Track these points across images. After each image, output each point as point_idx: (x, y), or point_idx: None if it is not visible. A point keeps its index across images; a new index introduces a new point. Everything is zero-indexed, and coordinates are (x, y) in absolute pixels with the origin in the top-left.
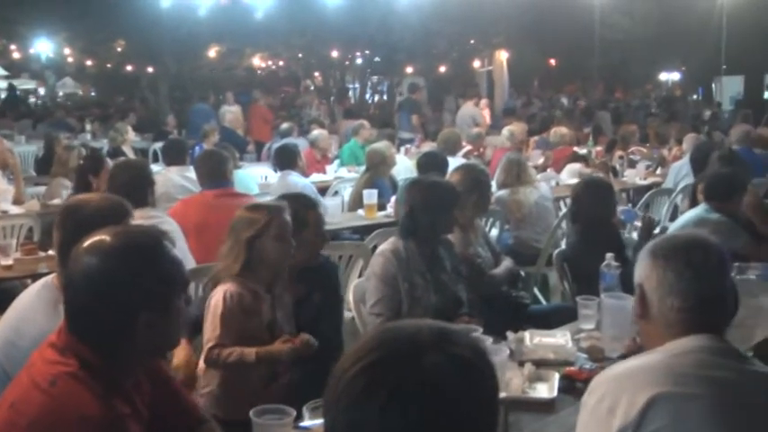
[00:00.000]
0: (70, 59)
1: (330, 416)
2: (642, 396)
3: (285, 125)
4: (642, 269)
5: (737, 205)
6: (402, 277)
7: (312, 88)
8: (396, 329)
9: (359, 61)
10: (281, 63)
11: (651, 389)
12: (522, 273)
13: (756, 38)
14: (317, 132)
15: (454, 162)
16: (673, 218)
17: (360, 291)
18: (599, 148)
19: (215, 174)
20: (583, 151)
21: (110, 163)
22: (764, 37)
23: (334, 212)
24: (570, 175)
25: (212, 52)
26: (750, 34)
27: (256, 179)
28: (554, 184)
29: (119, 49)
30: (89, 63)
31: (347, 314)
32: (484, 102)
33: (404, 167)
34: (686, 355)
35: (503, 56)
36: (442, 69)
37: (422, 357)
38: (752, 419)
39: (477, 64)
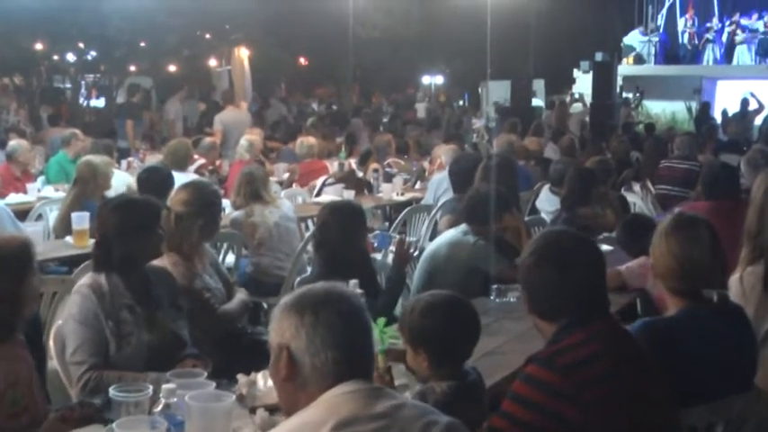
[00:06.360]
0: None
1: None
2: None
3: None
4: (284, 329)
5: (497, 227)
6: (105, 315)
7: (11, 88)
8: None
9: (70, 57)
10: None
11: None
12: (265, 305)
13: (522, 40)
14: (15, 143)
15: (183, 179)
16: (433, 236)
17: (61, 336)
18: (352, 160)
19: None
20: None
21: None
22: (531, 39)
23: (36, 241)
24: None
25: None
26: (516, 36)
27: None
28: (300, 201)
29: None
30: None
31: (50, 363)
32: (244, 105)
33: (124, 185)
34: (348, 403)
35: (243, 53)
36: (173, 68)
37: None
38: None
39: (213, 63)
